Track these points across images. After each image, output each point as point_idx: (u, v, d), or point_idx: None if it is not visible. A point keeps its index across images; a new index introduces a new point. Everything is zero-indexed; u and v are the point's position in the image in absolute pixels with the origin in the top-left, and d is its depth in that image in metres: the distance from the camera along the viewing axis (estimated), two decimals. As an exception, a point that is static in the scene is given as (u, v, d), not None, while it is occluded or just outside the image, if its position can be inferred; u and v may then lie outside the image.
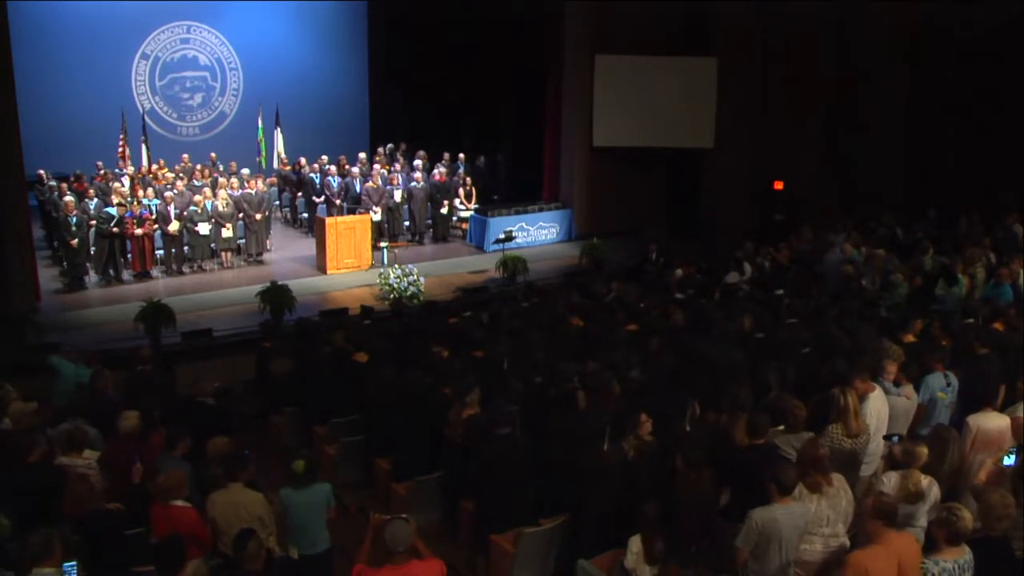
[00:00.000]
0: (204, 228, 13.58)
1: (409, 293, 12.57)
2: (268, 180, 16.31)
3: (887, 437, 6.01)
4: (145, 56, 18.29)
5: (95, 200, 13.44)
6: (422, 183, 15.61)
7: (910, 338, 7.86)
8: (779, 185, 16.15)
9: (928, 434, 6.04)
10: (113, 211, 12.97)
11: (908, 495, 5.22)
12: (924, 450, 5.36)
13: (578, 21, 15.87)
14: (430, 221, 16.03)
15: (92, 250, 13.35)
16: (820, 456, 5.24)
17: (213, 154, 17.07)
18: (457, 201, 16.17)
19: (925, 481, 5.32)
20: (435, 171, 16.11)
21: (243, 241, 14.41)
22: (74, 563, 4.42)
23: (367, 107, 20.55)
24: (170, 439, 6.13)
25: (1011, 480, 5.32)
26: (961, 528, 4.34)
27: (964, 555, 4.39)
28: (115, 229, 12.88)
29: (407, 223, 15.67)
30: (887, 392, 6.52)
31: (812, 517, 5.06)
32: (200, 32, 18.83)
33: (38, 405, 6.99)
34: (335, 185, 15.31)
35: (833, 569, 4.97)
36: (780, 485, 4.85)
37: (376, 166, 16.25)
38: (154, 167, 16.09)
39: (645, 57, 15.99)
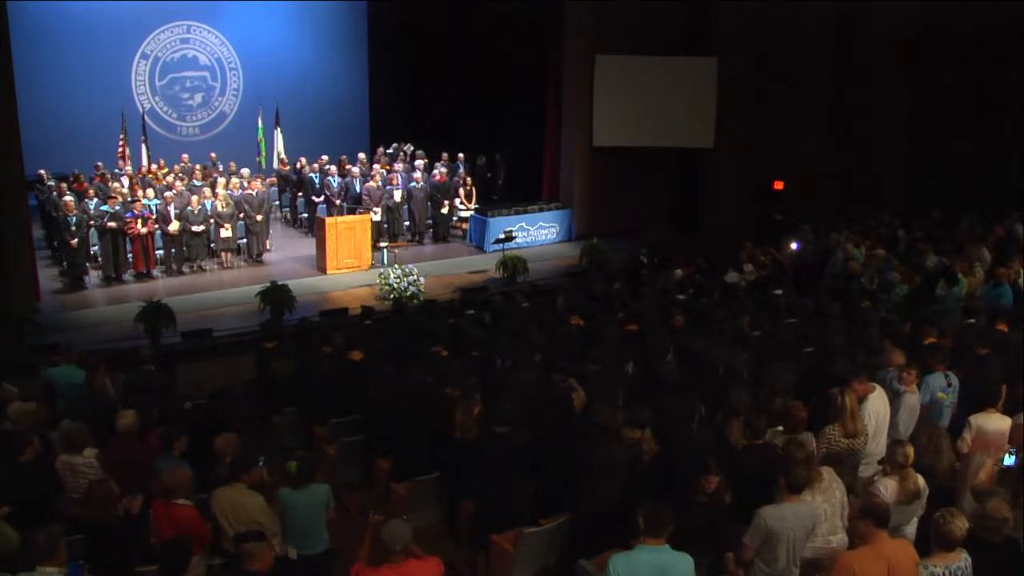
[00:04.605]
0: (198, 228, 13.58)
1: (409, 293, 12.57)
2: (268, 180, 16.31)
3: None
4: (145, 56, 18.29)
5: (95, 200, 13.44)
6: (422, 183, 15.61)
7: (931, 339, 7.81)
8: (779, 185, 16.16)
9: (919, 434, 6.03)
10: (106, 207, 12.97)
11: (908, 494, 5.21)
12: (911, 449, 5.35)
13: (578, 21, 15.88)
14: (430, 221, 16.04)
15: (94, 249, 13.38)
16: (807, 453, 5.27)
17: (213, 154, 17.07)
18: (457, 201, 16.17)
19: (920, 481, 5.32)
20: (435, 171, 16.11)
21: (244, 241, 14.41)
22: (79, 562, 4.42)
23: (367, 107, 20.57)
24: (166, 439, 6.13)
25: (1012, 481, 5.31)
26: (953, 533, 4.29)
27: (959, 560, 4.33)
28: (111, 224, 12.86)
29: (407, 223, 15.67)
30: (895, 391, 6.51)
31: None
32: (200, 32, 18.84)
33: (37, 405, 6.99)
34: (335, 185, 15.31)
35: (827, 568, 4.96)
36: (791, 483, 4.84)
37: (376, 166, 16.25)
38: (153, 167, 16.11)
39: (645, 57, 16.00)
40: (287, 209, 17.15)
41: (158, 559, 5.18)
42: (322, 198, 15.46)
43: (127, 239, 13.19)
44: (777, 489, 4.96)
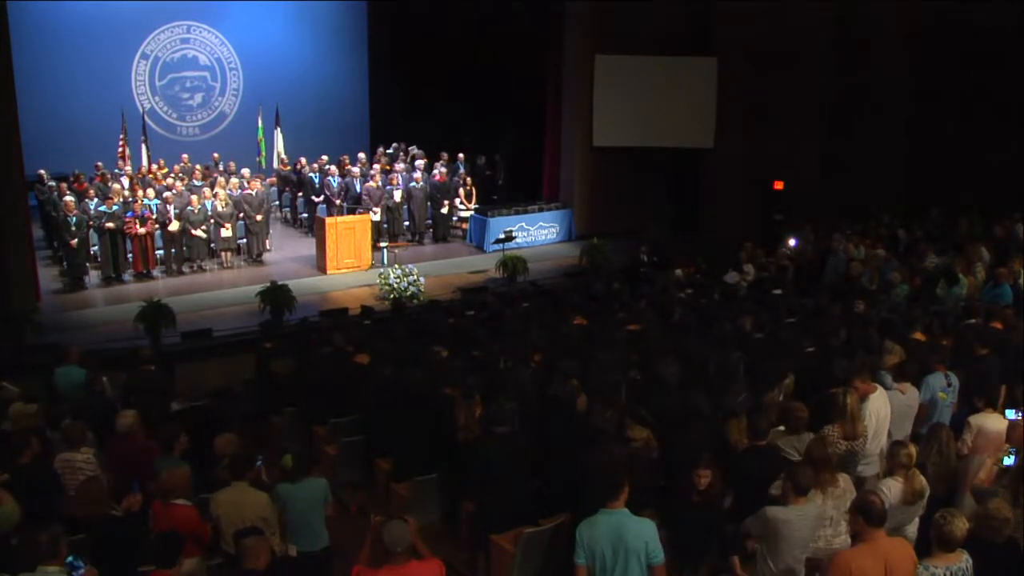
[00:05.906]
0: (200, 231, 13.57)
1: (409, 293, 12.57)
2: (268, 180, 16.30)
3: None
4: (145, 56, 18.29)
5: (95, 200, 13.44)
6: (422, 183, 15.61)
7: (919, 336, 7.81)
8: (779, 185, 16.15)
9: (924, 433, 6.02)
10: (104, 207, 12.96)
11: (913, 494, 5.19)
12: (913, 450, 5.34)
13: (578, 21, 15.89)
14: (430, 221, 16.03)
15: (94, 249, 13.37)
16: (827, 455, 5.23)
17: (216, 154, 17.07)
18: (457, 201, 16.17)
19: (923, 481, 5.31)
20: (435, 171, 16.10)
21: (243, 241, 14.41)
22: (72, 557, 4.42)
23: (367, 107, 20.57)
24: (164, 439, 6.13)
25: (1011, 480, 5.31)
26: (953, 533, 4.27)
27: (959, 561, 4.31)
28: (109, 225, 12.85)
29: (407, 223, 15.66)
30: (886, 388, 6.51)
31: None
32: (200, 32, 18.83)
33: (38, 406, 6.98)
34: (335, 185, 15.31)
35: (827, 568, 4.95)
36: (796, 486, 4.83)
37: (376, 166, 16.25)
38: (153, 167, 16.11)
39: (645, 57, 16.00)
40: (287, 209, 17.15)
41: (150, 553, 5.17)
42: (322, 198, 15.46)
43: (127, 239, 13.20)
44: (781, 491, 4.94)
